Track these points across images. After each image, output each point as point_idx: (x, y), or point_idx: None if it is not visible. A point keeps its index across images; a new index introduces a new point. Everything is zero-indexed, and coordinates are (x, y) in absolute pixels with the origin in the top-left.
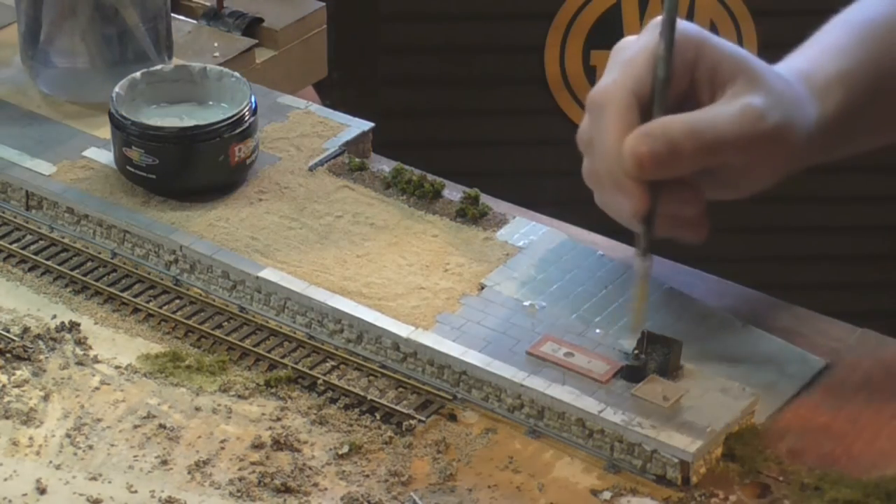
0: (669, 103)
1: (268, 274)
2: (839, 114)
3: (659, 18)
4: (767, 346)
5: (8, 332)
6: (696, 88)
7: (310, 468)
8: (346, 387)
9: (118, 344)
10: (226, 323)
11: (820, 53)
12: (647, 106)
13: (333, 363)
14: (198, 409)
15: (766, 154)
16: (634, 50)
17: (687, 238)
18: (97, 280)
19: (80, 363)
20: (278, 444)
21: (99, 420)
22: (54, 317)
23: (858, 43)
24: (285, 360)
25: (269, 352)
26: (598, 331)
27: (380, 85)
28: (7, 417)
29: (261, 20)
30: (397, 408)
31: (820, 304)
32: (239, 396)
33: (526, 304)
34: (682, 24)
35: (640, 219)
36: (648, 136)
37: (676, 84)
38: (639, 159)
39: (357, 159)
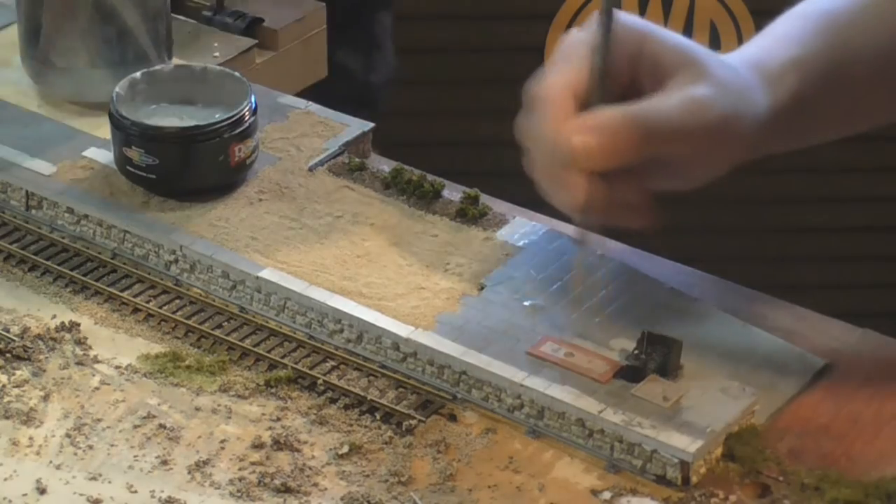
0: (611, 96)
1: (268, 274)
2: (791, 102)
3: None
4: (767, 346)
5: (8, 332)
6: (639, 81)
7: (310, 468)
8: (346, 387)
9: (118, 344)
10: (226, 323)
11: (773, 42)
12: (585, 98)
13: (333, 363)
14: (198, 409)
15: (712, 144)
16: (573, 45)
17: (634, 226)
18: (97, 280)
19: (80, 363)
20: (278, 444)
21: (99, 420)
22: (54, 317)
23: (813, 33)
24: (285, 360)
25: (269, 352)
26: (598, 331)
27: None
28: (7, 417)
29: (261, 20)
30: (397, 408)
31: (820, 304)
32: (239, 396)
33: (526, 304)
34: (625, 17)
35: (579, 209)
36: (585, 127)
37: (618, 77)
38: (575, 150)
39: (357, 159)
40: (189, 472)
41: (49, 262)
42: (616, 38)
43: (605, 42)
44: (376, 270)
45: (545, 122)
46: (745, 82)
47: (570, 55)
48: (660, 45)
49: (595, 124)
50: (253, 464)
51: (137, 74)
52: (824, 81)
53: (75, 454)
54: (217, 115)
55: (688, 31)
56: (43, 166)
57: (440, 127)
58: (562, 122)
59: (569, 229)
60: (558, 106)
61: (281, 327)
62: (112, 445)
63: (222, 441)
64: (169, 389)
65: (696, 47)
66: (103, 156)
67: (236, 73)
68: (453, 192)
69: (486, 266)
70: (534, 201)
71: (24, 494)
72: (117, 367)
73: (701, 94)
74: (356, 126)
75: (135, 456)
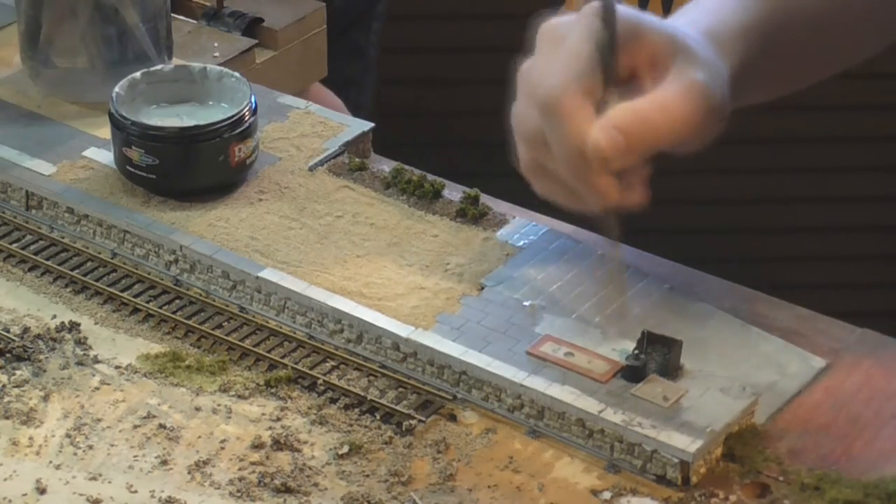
0: (618, 91)
1: (268, 274)
2: (739, 68)
3: (595, 3)
4: (767, 346)
5: (8, 332)
6: (636, 72)
7: (310, 468)
8: (346, 387)
9: (118, 344)
10: (226, 323)
11: (719, 7)
12: (598, 97)
13: (333, 363)
14: (198, 409)
15: (709, 124)
16: (576, 41)
17: (630, 203)
18: (97, 280)
19: (80, 363)
20: (278, 444)
21: (99, 420)
22: (54, 317)
23: None
24: (285, 360)
25: (269, 352)
26: (598, 331)
27: (380, 85)
28: (7, 417)
29: (261, 20)
30: (397, 408)
31: (820, 304)
32: (239, 396)
33: (526, 304)
34: (618, 8)
35: (612, 207)
36: (610, 129)
37: (620, 70)
38: (604, 153)
39: (357, 159)
40: (189, 472)
41: (49, 262)
42: (617, 31)
43: (609, 35)
44: (376, 270)
45: (569, 130)
46: (716, 57)
47: (575, 55)
48: (653, 34)
49: (619, 124)
50: (253, 464)
51: (137, 74)
52: (765, 45)
53: (75, 454)
54: (217, 115)
55: None
56: (43, 166)
57: (440, 127)
58: (583, 123)
59: (568, 229)
60: (575, 107)
61: (281, 327)
62: (112, 445)
63: (222, 441)
64: (169, 389)
65: (681, 31)
66: (103, 156)
67: (236, 73)
68: (453, 192)
69: (486, 266)
70: (534, 201)
71: (24, 494)
72: (117, 367)
73: (701, 80)
74: (356, 126)
75: (135, 456)
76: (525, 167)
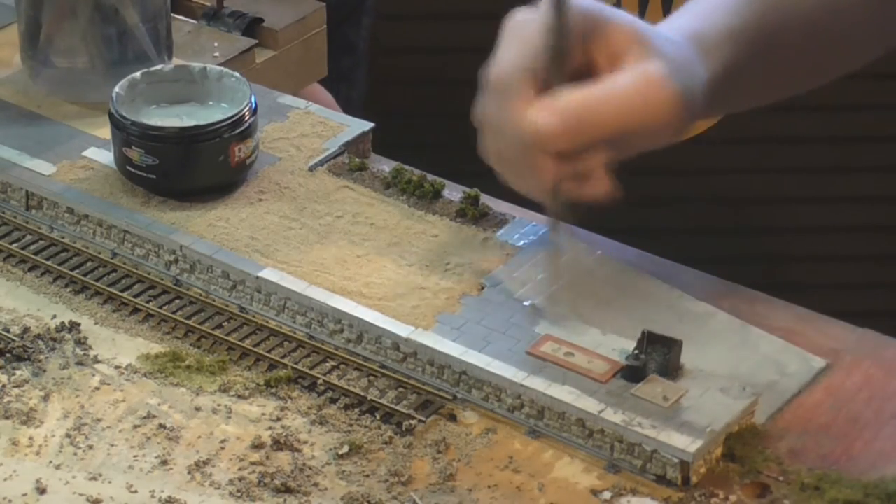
0: (567, 76)
1: (268, 274)
2: (726, 71)
3: None
4: (767, 346)
5: (8, 332)
6: (592, 61)
7: (310, 468)
8: (346, 387)
9: (118, 344)
10: (226, 323)
11: (710, 10)
12: (543, 80)
13: (333, 363)
14: (198, 409)
15: (665, 119)
16: (526, 26)
17: (594, 196)
18: (97, 280)
19: (80, 363)
20: (278, 444)
21: (99, 420)
22: (54, 317)
23: (747, 1)
24: (285, 360)
25: (269, 352)
26: (598, 331)
27: (380, 85)
28: (7, 417)
29: (261, 20)
30: (397, 408)
31: (820, 304)
32: (239, 396)
33: (526, 304)
34: None
35: (549, 191)
36: (550, 109)
37: (573, 58)
38: (542, 133)
39: (357, 159)
40: (189, 472)
41: (49, 262)
42: (569, 18)
43: (559, 21)
44: (376, 270)
45: (507, 106)
46: (688, 55)
47: (524, 37)
48: (610, 23)
49: (560, 106)
50: (253, 464)
51: (137, 74)
52: (756, 49)
53: (75, 454)
54: (217, 115)
55: None
56: (43, 166)
57: (440, 127)
58: (525, 105)
59: (568, 228)
60: (519, 89)
61: (281, 327)
62: (112, 445)
63: (222, 441)
64: (169, 389)
65: (643, 24)
66: (103, 156)
67: (236, 73)
68: (453, 192)
69: (486, 266)
70: (534, 201)
71: (24, 494)
72: (117, 367)
73: (655, 71)
74: (356, 126)
75: (135, 456)
76: (487, 155)
